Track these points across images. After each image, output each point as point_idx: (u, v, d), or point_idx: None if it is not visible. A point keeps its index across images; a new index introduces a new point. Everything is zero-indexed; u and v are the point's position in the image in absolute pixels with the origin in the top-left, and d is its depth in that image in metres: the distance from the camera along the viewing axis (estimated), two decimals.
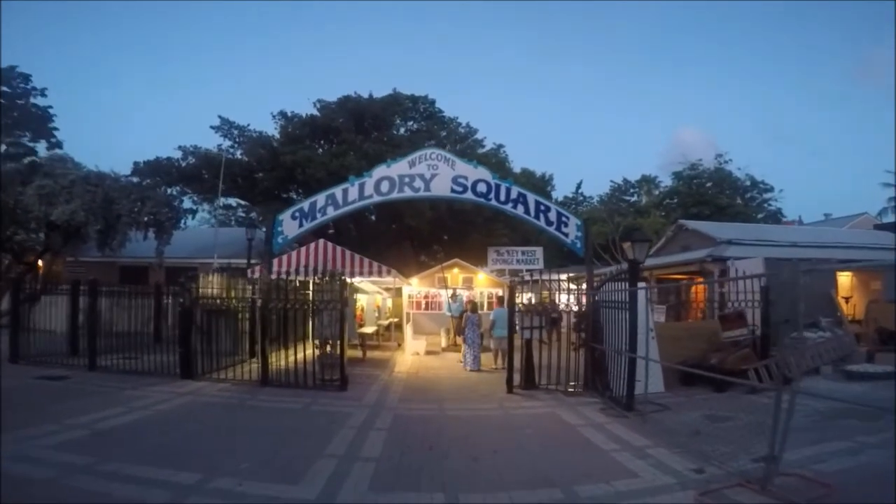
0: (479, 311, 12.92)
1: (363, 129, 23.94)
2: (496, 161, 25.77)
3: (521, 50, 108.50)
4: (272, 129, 25.17)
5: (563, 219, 9.95)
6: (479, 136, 27.80)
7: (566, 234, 9.88)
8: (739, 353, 9.65)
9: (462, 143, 26.63)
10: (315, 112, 25.01)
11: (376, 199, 10.10)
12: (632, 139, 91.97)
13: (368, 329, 12.99)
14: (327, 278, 8.86)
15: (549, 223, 9.88)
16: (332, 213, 9.95)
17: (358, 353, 12.45)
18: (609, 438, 6.18)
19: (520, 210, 9.92)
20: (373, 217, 26.18)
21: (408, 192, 10.14)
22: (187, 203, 24.00)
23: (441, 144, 24.46)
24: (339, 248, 11.59)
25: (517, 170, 30.73)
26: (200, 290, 9.68)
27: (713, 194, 30.99)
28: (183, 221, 25.53)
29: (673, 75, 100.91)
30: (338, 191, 10.06)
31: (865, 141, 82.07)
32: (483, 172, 10.24)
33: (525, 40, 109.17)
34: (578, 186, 41.48)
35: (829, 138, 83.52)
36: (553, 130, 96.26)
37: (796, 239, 18.80)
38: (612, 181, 41.58)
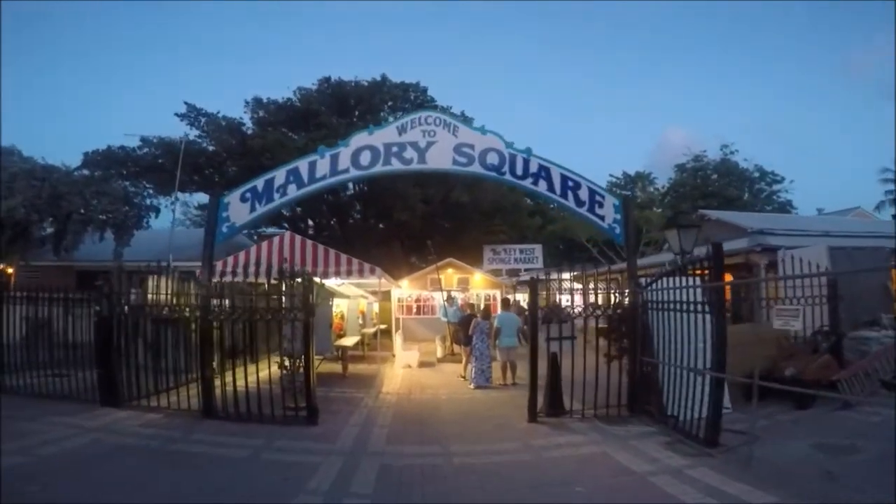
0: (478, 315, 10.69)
1: (346, 113, 21.64)
2: None
3: (515, 44, 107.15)
4: (247, 118, 22.76)
5: (598, 198, 7.80)
6: (475, 125, 25.64)
7: (601, 217, 7.75)
8: (820, 361, 7.64)
9: None
10: (293, 98, 22.71)
11: (354, 173, 7.88)
12: (626, 136, 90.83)
13: (349, 340, 10.69)
14: (287, 279, 6.60)
15: (579, 203, 7.73)
16: (294, 192, 7.70)
17: (338, 368, 10.19)
18: (705, 494, 4.10)
19: (542, 187, 7.77)
20: (358, 212, 23.88)
21: (396, 165, 7.94)
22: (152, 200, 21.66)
23: None
24: (310, 243, 9.29)
25: None
26: (134, 297, 7.45)
27: (720, 186, 29.28)
28: (145, 220, 23.12)
29: (664, 72, 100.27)
30: (302, 164, 7.83)
31: (851, 137, 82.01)
32: (493, 140, 8.07)
33: (520, 33, 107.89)
34: None
35: (815, 134, 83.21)
36: (548, 125, 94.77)
37: (828, 228, 17.15)
38: (610, 175, 39.78)
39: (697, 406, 5.84)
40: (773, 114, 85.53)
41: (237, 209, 7.60)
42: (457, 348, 12.20)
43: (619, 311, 7.03)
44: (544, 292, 7.14)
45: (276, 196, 7.63)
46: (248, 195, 7.66)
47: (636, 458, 5.22)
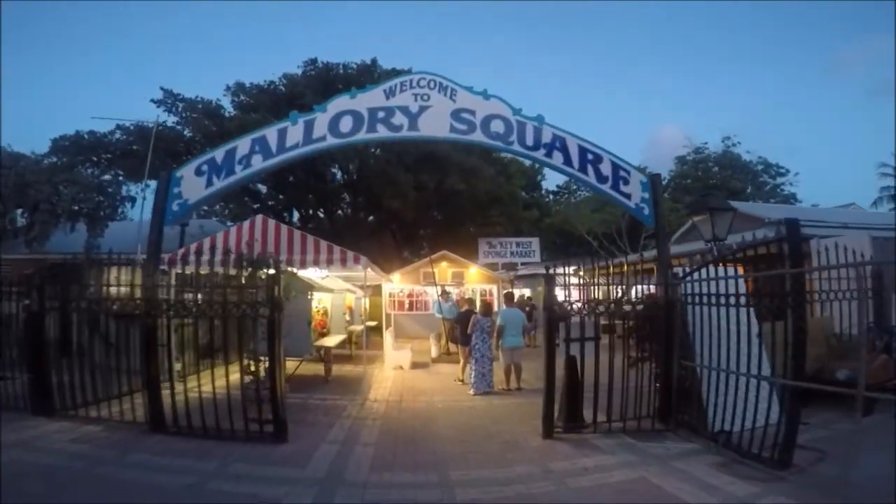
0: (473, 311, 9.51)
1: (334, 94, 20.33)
2: None
3: (511, 35, 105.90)
4: (227, 103, 21.32)
5: (622, 173, 6.64)
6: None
7: (627, 196, 6.61)
8: (878, 362, 6.59)
9: None
10: (276, 82, 21.30)
11: (332, 141, 6.65)
12: (623, 132, 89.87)
13: (333, 339, 9.43)
14: (249, 268, 5.40)
15: (601, 179, 6.58)
16: (260, 164, 6.47)
17: (321, 369, 8.99)
18: None
19: (556, 159, 6.60)
20: (346, 202, 22.55)
21: (383, 132, 6.75)
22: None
23: None
24: (286, 229, 8.05)
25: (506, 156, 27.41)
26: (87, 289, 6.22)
27: (723, 178, 28.39)
28: (121, 210, 21.69)
29: (661, 68, 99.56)
30: (270, 132, 6.60)
31: (842, 135, 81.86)
32: (498, 106, 6.89)
33: (516, 29, 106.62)
34: None
35: (805, 131, 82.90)
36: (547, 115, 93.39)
37: (846, 220, 16.31)
38: None
39: (751, 417, 4.78)
40: (763, 111, 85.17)
41: (192, 184, 6.37)
42: (452, 347, 11.04)
43: (649, 306, 5.89)
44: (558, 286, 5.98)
45: (238, 168, 6.40)
46: (205, 168, 6.43)
47: (687, 486, 4.13)
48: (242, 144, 6.54)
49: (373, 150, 20.50)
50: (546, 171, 37.94)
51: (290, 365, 8.93)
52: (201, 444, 5.28)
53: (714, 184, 28.06)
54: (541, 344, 13.34)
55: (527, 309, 10.59)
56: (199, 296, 5.58)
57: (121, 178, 19.43)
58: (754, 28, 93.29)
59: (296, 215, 22.67)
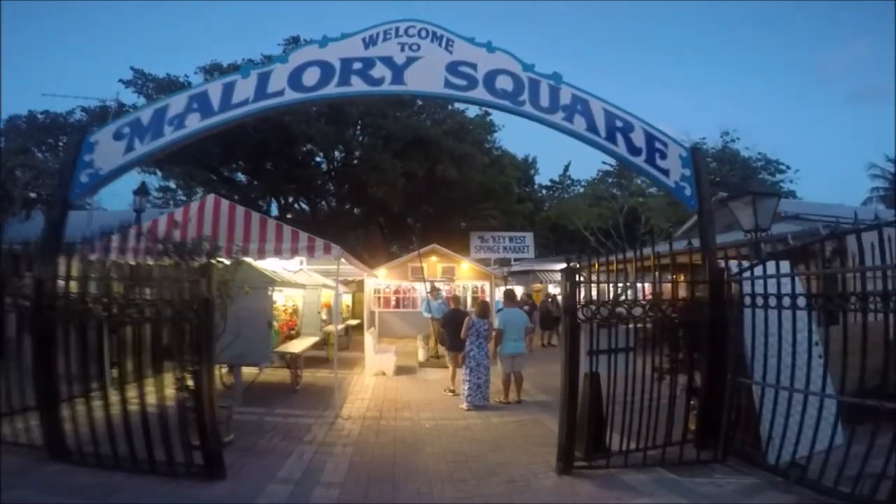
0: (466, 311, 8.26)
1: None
2: (483, 126, 21.12)
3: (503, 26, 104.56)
4: (199, 82, 19.70)
5: (658, 145, 5.39)
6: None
7: (665, 173, 5.36)
8: None
9: (441, 111, 21.86)
10: (256, 62, 19.78)
11: (292, 96, 5.29)
12: None
13: (302, 343, 7.99)
14: (175, 256, 4.09)
15: (633, 150, 5.32)
16: (196, 124, 5.09)
17: (289, 376, 7.65)
18: None
19: (579, 125, 5.32)
20: (330, 192, 21.07)
21: (358, 86, 5.41)
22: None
23: (416, 114, 19.63)
24: (242, 211, 6.59)
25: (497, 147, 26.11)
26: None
27: (723, 174, 27.41)
28: (84, 198, 20.12)
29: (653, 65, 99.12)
30: (213, 87, 5.25)
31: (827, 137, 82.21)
32: (504, 59, 5.59)
33: (509, 23, 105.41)
34: (566, 168, 37.26)
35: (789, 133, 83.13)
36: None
37: (862, 216, 15.35)
38: (603, 162, 37.74)
39: (809, 441, 3.76)
40: (751, 112, 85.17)
41: (107, 150, 4.98)
42: (442, 349, 9.77)
43: (694, 308, 4.65)
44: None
45: (168, 130, 5.02)
46: (127, 130, 5.05)
47: None
48: (176, 102, 5.17)
49: (358, 135, 19.15)
50: (539, 164, 36.98)
51: (252, 373, 7.62)
52: (109, 477, 4.01)
53: (715, 180, 27.10)
54: (537, 348, 12.11)
55: (525, 308, 9.33)
56: (109, 291, 4.22)
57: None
58: (738, 29, 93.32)
59: (275, 206, 21.17)
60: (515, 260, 22.30)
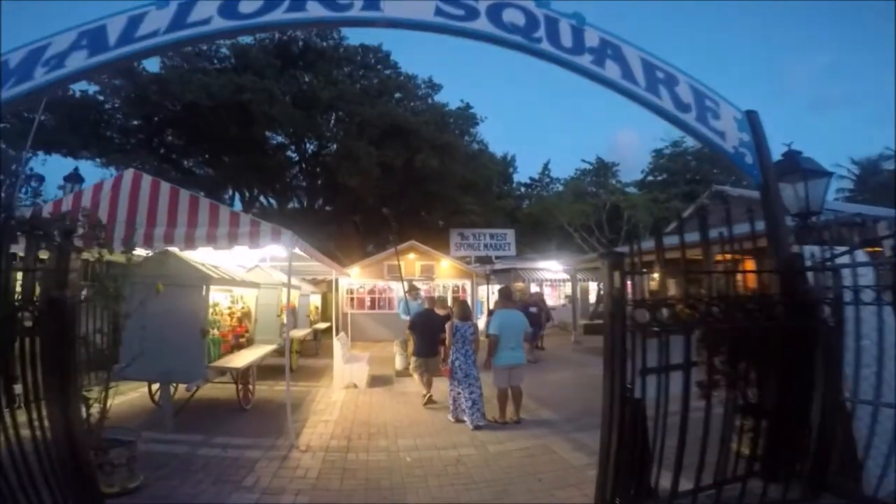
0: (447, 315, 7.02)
1: (292, 63, 17.24)
2: (464, 118, 19.93)
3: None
4: (156, 66, 17.87)
5: (708, 103, 4.24)
6: (442, 97, 21.61)
7: (720, 135, 4.21)
8: None
9: (422, 101, 20.57)
10: (226, 52, 18.07)
11: (222, 24, 3.91)
12: (598, 126, 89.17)
13: (249, 355, 6.41)
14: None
15: (680, 106, 4.14)
16: (81, 62, 3.64)
17: (234, 392, 6.23)
18: None
19: (612, 71, 4.08)
20: (300, 184, 19.49)
21: (316, 11, 4.05)
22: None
23: (396, 106, 18.30)
24: (168, 189, 5.08)
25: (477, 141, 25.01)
26: None
27: (705, 172, 27.07)
28: (24, 191, 18.05)
29: None
30: (115, 21, 3.80)
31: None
32: None
33: None
34: (545, 166, 36.52)
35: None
36: (515, 111, 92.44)
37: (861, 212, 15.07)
38: (583, 160, 37.14)
39: None
40: None
41: None
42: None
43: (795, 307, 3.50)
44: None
45: (40, 73, 3.62)
46: None
47: None
48: (61, 40, 3.76)
49: (331, 124, 17.71)
50: (519, 162, 36.15)
51: (189, 391, 6.18)
52: None
53: (697, 178, 26.71)
54: (535, 354, 10.88)
55: (533, 310, 8.16)
56: None
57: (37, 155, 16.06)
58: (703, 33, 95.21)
59: (239, 201, 19.48)
60: (497, 258, 21.30)
